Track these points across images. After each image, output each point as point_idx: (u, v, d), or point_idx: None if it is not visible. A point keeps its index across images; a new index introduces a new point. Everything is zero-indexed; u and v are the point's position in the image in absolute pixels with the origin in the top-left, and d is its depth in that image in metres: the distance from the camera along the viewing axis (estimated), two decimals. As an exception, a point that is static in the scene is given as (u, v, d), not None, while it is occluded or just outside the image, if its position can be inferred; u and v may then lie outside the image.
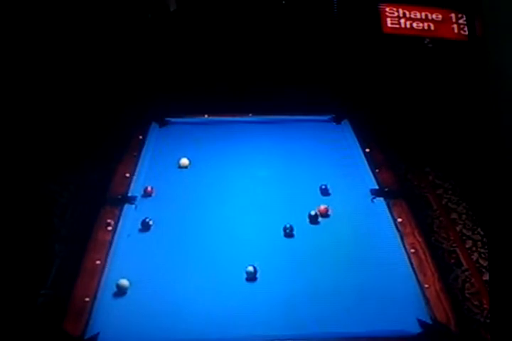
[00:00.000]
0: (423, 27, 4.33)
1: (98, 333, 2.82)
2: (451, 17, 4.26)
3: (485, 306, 3.11)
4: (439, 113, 4.46)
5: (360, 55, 4.66)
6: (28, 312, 2.76)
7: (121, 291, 3.03)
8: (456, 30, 4.28)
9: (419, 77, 4.60)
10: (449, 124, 4.35)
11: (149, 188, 3.74)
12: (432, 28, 4.33)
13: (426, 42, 4.41)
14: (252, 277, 3.11)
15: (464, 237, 3.55)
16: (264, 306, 2.96)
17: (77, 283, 3.04)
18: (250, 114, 4.50)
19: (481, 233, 3.57)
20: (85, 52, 4.77)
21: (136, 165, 3.97)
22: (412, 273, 3.13)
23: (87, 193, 3.80)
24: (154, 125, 4.42)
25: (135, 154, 4.07)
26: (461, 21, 4.29)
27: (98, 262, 3.17)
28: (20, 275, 2.94)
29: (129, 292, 3.03)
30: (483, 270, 3.32)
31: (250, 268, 3.11)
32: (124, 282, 3.04)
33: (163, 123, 4.45)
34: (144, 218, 3.46)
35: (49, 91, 4.56)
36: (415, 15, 4.31)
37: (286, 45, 4.80)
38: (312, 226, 3.46)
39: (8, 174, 3.57)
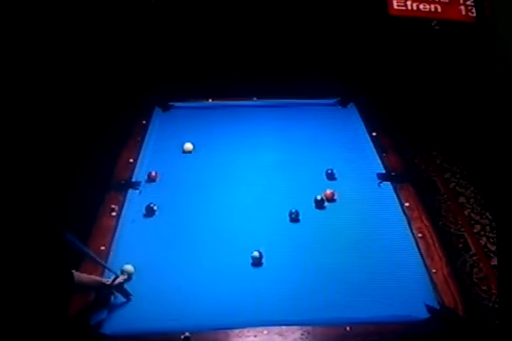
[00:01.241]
0: (430, 9, 4.27)
1: (103, 319, 2.81)
2: (458, -2, 4.20)
3: (493, 291, 3.09)
4: (446, 96, 4.41)
5: (367, 38, 4.61)
6: (33, 300, 2.75)
7: (126, 277, 3.01)
8: (463, 12, 4.22)
9: (426, 59, 4.55)
10: (456, 108, 4.31)
11: (153, 173, 3.72)
12: (439, 9, 4.27)
13: (433, 24, 4.36)
14: (257, 262, 3.09)
15: (472, 221, 3.52)
16: (270, 291, 2.94)
17: (82, 269, 3.01)
18: (255, 98, 4.46)
19: (490, 217, 3.54)
20: (87, 37, 4.73)
21: (139, 150, 3.94)
22: (420, 257, 3.10)
23: (91, 179, 3.78)
24: (157, 109, 4.38)
25: (139, 139, 4.04)
26: (468, 3, 4.23)
27: (103, 248, 3.15)
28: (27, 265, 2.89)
29: (133, 277, 3.02)
30: (492, 255, 3.30)
31: (256, 254, 3.09)
32: (129, 267, 3.03)
33: (166, 108, 4.41)
34: (148, 203, 3.44)
35: (52, 77, 4.54)
36: (422, -3, 4.25)
37: (291, 27, 4.75)
38: (318, 211, 3.44)
39: (12, 162, 3.55)
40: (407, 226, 3.28)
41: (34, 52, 4.52)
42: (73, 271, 2.82)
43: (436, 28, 4.37)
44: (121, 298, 2.91)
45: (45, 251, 2.77)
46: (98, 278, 2.93)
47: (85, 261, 3.03)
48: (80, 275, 2.85)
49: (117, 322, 2.80)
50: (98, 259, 2.99)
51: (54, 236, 2.81)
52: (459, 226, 3.49)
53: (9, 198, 2.81)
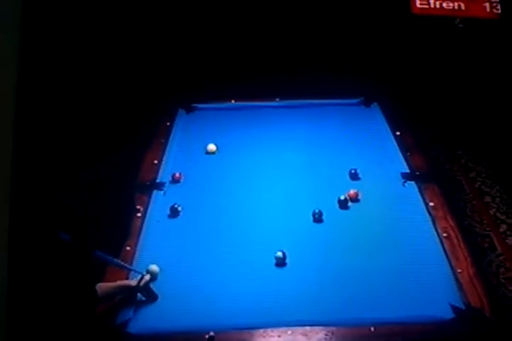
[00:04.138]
0: (453, 7, 4.23)
1: (129, 319, 2.84)
2: (482, -5, 4.16)
3: (521, 292, 3.05)
4: (470, 95, 4.37)
5: (389, 37, 4.58)
6: (59, 301, 2.79)
7: (151, 277, 3.04)
8: (488, 9, 4.17)
9: (449, 58, 4.51)
10: (480, 106, 4.26)
11: (177, 174, 3.75)
12: (463, 7, 4.23)
13: (456, 22, 4.31)
14: (281, 262, 3.10)
15: (498, 221, 3.47)
16: (294, 291, 2.95)
17: (108, 269, 3.05)
18: (277, 99, 4.47)
19: (516, 217, 3.50)
20: (110, 38, 4.77)
21: (164, 151, 3.98)
22: (445, 257, 3.08)
23: (116, 180, 3.82)
24: (181, 111, 4.42)
25: (163, 140, 4.08)
26: (493, -1, 4.18)
27: (128, 248, 3.19)
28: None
29: (158, 278, 3.04)
30: (518, 254, 3.25)
31: (279, 254, 3.10)
32: (154, 268, 3.05)
33: (190, 109, 4.44)
34: (172, 204, 3.47)
35: (76, 78, 4.58)
36: (445, -5, 4.22)
37: (312, 26, 4.74)
38: (342, 211, 3.43)
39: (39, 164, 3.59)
40: (432, 226, 3.26)
41: (59, 53, 4.57)
42: (96, 285, 2.82)
43: (460, 26, 4.33)
44: (146, 298, 2.94)
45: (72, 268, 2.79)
46: (123, 282, 2.95)
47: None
48: (102, 288, 2.84)
49: (143, 321, 2.83)
50: (124, 264, 3.01)
51: (83, 254, 2.83)
52: (485, 225, 3.44)
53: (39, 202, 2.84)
